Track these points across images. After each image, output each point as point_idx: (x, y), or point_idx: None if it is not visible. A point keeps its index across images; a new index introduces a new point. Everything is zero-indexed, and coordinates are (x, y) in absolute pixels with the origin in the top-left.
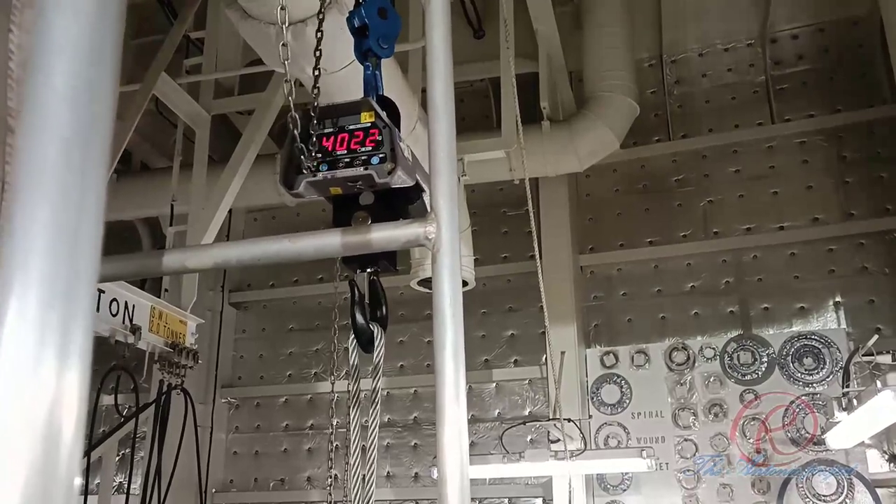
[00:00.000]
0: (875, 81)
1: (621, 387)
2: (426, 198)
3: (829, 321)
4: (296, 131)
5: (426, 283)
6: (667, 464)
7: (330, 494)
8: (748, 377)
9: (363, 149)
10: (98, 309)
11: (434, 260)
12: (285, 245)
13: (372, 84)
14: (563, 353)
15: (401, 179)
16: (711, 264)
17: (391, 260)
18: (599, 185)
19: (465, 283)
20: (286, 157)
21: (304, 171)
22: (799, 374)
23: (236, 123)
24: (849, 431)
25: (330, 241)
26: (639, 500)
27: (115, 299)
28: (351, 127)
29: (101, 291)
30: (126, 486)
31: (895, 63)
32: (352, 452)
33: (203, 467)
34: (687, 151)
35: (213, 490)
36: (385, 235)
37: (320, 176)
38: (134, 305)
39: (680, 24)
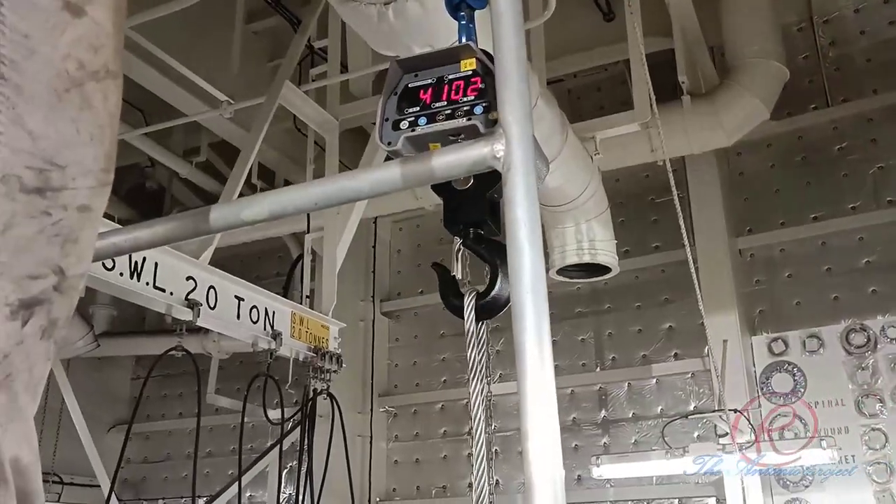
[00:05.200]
0: None
1: (794, 375)
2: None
3: None
4: (394, 84)
5: (567, 271)
6: (853, 456)
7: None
8: None
9: (464, 98)
10: (238, 317)
11: (504, 182)
12: (342, 184)
13: (468, 35)
14: (725, 341)
15: None
16: (887, 236)
17: (494, 220)
18: (753, 162)
19: (608, 269)
20: (382, 113)
21: (402, 126)
22: None
23: (370, 131)
24: None
25: (389, 174)
26: (823, 498)
27: (255, 306)
28: (450, 76)
29: (240, 299)
30: (279, 496)
31: None
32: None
33: (365, 477)
34: (849, 116)
35: (378, 499)
36: (448, 161)
37: (419, 130)
38: (274, 312)
39: None
